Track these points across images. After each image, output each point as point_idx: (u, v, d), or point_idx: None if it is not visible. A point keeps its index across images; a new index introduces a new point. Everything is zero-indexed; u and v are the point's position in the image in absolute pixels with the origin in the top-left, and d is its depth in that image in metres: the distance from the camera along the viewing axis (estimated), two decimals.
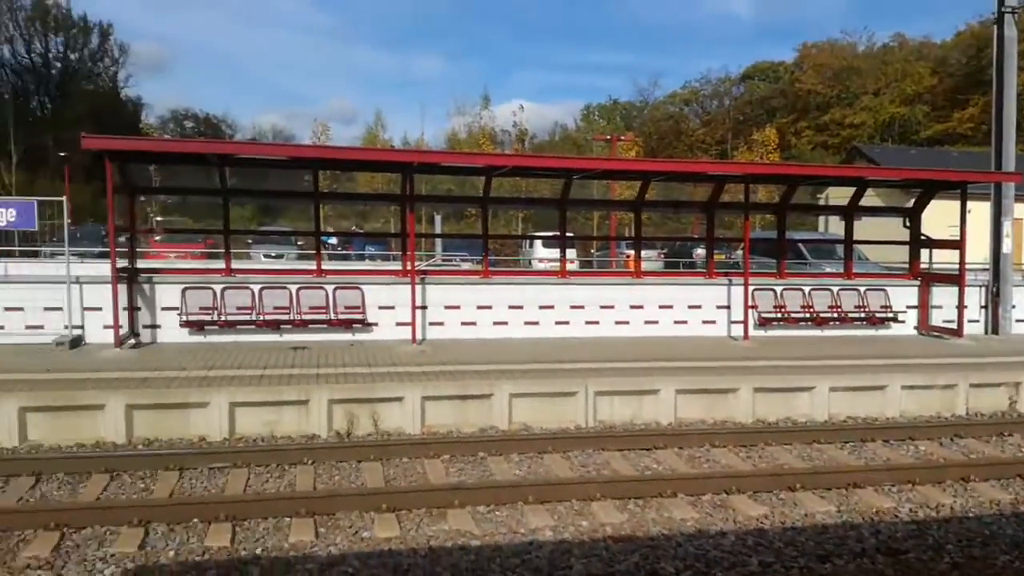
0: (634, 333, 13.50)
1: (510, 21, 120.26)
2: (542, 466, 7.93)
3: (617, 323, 13.53)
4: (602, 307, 13.49)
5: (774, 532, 6.31)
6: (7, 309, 11.50)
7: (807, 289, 14.31)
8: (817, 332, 14.21)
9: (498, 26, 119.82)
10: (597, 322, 13.46)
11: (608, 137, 43.86)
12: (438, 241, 27.19)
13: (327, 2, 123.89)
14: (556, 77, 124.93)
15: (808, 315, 14.08)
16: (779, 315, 13.97)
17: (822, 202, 30.05)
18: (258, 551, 5.68)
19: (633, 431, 9.17)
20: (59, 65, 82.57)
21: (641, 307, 13.65)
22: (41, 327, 11.49)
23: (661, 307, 13.74)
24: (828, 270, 17.63)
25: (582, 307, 13.41)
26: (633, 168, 16.19)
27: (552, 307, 13.30)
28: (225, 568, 5.36)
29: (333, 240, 33.09)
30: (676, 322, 13.80)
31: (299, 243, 31.27)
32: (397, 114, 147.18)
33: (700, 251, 26.40)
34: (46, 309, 11.59)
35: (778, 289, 14.15)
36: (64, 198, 12.07)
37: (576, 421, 9.47)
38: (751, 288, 13.50)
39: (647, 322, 13.65)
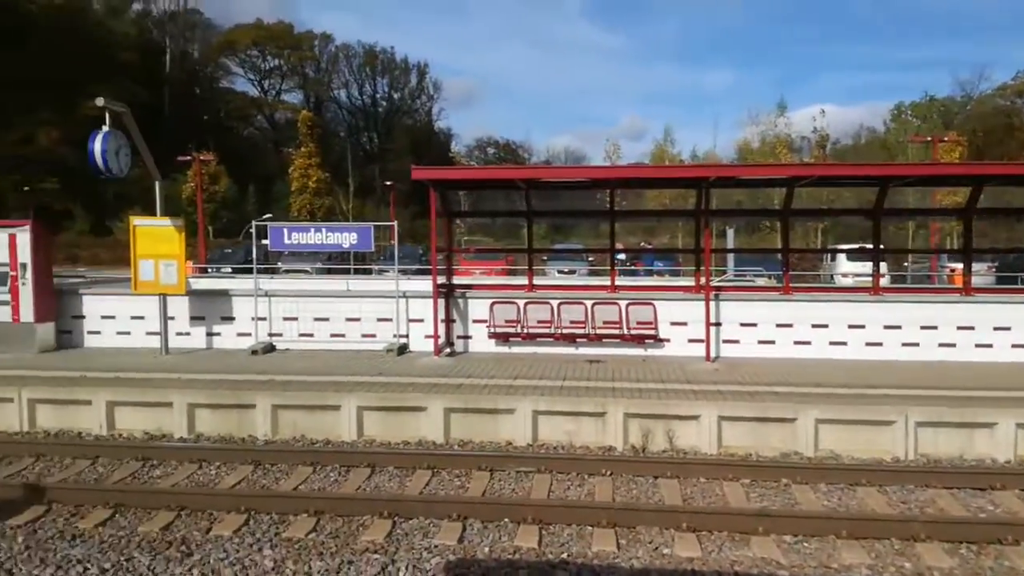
0: (962, 357, 11.94)
1: (808, 24, 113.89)
2: (854, 499, 7.34)
3: (941, 346, 12.07)
4: (922, 328, 12.12)
5: None
6: (348, 320, 13.21)
7: None
8: None
9: (795, 31, 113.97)
10: (916, 344, 12.12)
11: (928, 138, 39.44)
12: (730, 256, 26.35)
13: (619, 24, 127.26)
14: (861, 77, 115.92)
15: None
16: None
17: None
18: (564, 556, 5.91)
19: (963, 468, 8.13)
20: (384, 104, 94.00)
21: (971, 328, 12.03)
22: (374, 335, 13.06)
23: (996, 329, 12.00)
24: None
25: (898, 327, 12.17)
26: (965, 172, 14.27)
27: (862, 327, 12.24)
28: (535, 569, 5.64)
29: (622, 256, 33.59)
30: (1015, 346, 11.96)
31: (590, 259, 32.17)
32: (686, 127, 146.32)
33: None
34: (378, 320, 13.13)
35: None
36: (395, 222, 13.66)
37: (893, 452, 8.61)
38: None
39: (978, 345, 12.00)
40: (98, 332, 13.51)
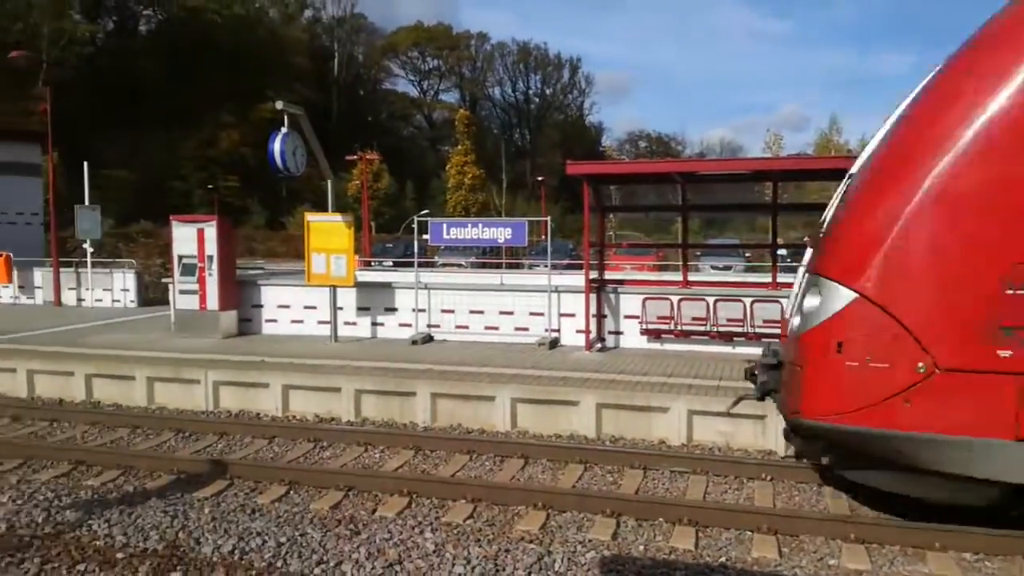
0: None
1: None
2: None
3: None
4: None
5: None
6: (501, 313, 13.48)
7: None
8: None
9: (982, 6, 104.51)
10: None
11: None
12: None
13: (785, 9, 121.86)
14: None
15: None
16: None
17: None
18: (722, 560, 5.77)
19: None
20: (536, 100, 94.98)
21: None
22: (526, 329, 13.24)
23: None
24: None
25: None
26: None
27: None
28: (692, 571, 5.53)
29: (783, 251, 32.13)
30: None
31: (747, 255, 31.08)
32: (855, 116, 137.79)
33: None
34: (530, 314, 13.30)
35: None
36: (547, 218, 13.81)
37: None
38: None
39: None
40: (274, 320, 14.54)
